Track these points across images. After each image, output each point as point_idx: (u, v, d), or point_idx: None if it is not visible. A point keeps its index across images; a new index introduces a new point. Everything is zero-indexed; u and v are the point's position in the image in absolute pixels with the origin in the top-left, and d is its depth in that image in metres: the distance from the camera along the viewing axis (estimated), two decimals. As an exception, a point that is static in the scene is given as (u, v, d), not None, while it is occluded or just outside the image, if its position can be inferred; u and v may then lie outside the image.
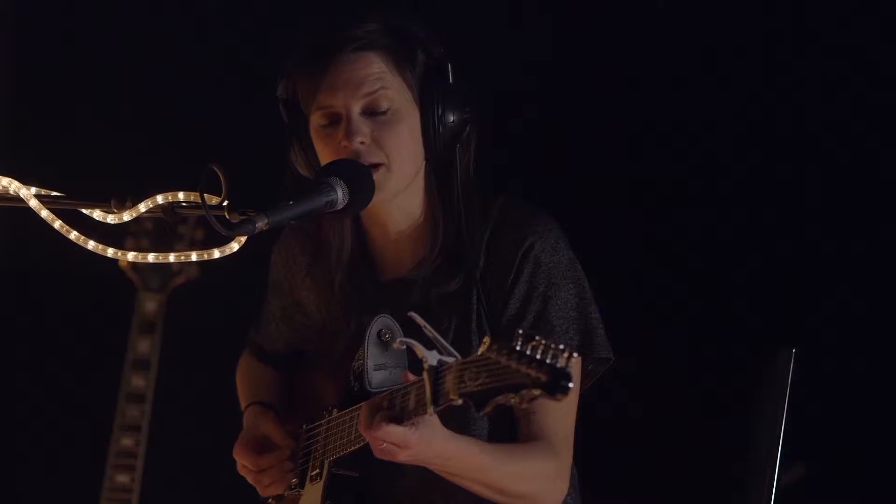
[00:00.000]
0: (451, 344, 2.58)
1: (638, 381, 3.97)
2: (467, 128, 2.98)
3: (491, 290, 2.98)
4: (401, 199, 3.00)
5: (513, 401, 2.39)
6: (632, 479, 4.13)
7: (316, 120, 2.96)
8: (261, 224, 2.58)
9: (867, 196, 3.99)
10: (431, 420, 2.65)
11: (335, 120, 2.94)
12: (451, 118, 2.96)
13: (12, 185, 2.67)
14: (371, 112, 2.92)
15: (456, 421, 2.81)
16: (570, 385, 2.33)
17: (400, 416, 2.66)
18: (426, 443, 2.68)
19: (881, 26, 3.99)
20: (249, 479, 3.08)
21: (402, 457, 2.69)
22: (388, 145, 2.91)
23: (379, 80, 2.92)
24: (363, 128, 2.91)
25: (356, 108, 2.92)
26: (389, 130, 2.92)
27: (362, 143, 2.90)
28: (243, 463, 3.08)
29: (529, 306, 2.95)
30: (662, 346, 4.10)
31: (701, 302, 4.13)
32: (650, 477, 4.15)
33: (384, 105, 2.92)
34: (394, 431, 2.65)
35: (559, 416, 2.93)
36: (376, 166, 2.90)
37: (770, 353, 3.12)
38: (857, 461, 3.94)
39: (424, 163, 3.00)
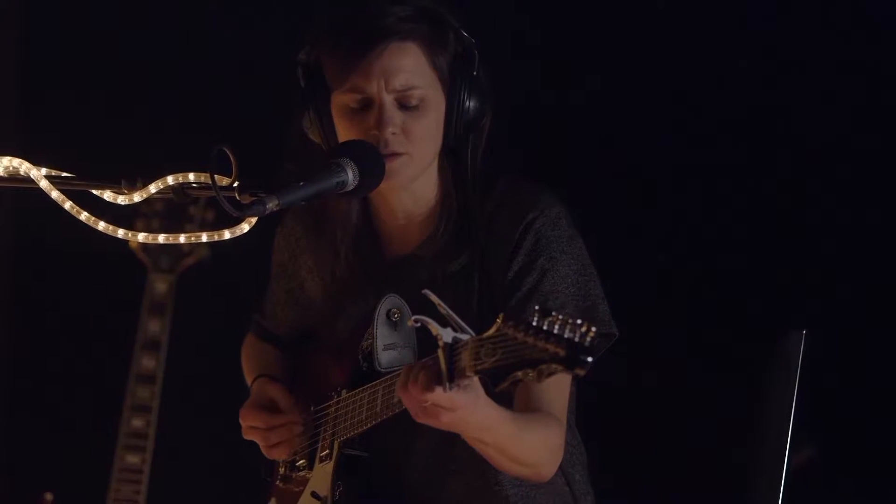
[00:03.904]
0: None
1: (636, 373, 3.97)
2: (485, 117, 3.00)
3: (492, 266, 2.99)
4: (414, 185, 3.01)
5: (531, 376, 2.37)
6: (631, 473, 4.13)
7: (344, 99, 2.95)
8: (271, 205, 2.58)
9: (868, 182, 3.98)
10: (475, 384, 2.59)
11: (366, 104, 2.94)
12: (474, 108, 2.97)
13: (23, 167, 2.68)
14: (403, 104, 2.93)
15: None
16: (590, 359, 2.31)
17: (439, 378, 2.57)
18: (472, 406, 2.60)
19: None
20: (257, 438, 3.07)
21: (446, 419, 2.61)
22: (415, 136, 2.93)
23: (414, 74, 2.93)
24: (396, 118, 2.92)
25: (390, 99, 2.92)
26: (418, 123, 2.93)
27: (394, 133, 2.91)
28: (251, 424, 3.07)
29: (526, 278, 2.95)
30: (662, 337, 4.10)
31: (703, 289, 4.13)
32: (650, 473, 4.15)
33: (415, 100, 2.93)
34: (441, 392, 2.55)
35: (560, 390, 2.93)
36: (399, 154, 2.91)
37: (773, 339, 3.11)
38: (863, 443, 3.93)
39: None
